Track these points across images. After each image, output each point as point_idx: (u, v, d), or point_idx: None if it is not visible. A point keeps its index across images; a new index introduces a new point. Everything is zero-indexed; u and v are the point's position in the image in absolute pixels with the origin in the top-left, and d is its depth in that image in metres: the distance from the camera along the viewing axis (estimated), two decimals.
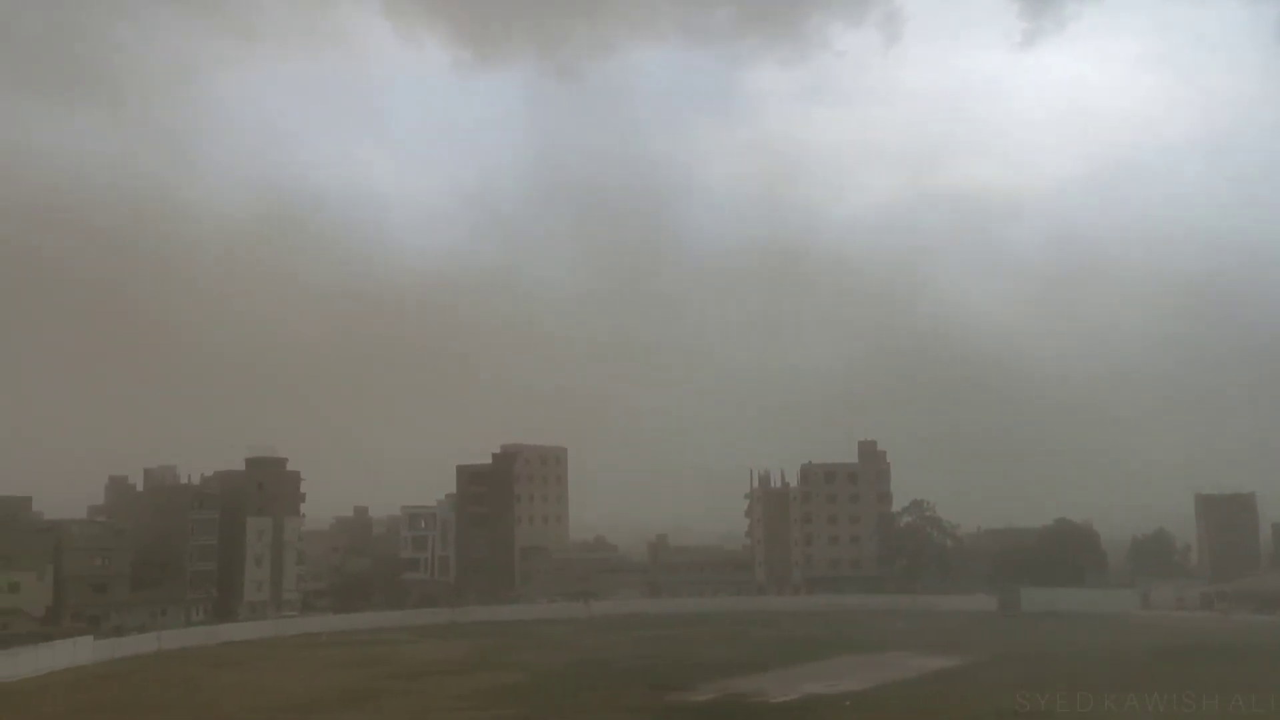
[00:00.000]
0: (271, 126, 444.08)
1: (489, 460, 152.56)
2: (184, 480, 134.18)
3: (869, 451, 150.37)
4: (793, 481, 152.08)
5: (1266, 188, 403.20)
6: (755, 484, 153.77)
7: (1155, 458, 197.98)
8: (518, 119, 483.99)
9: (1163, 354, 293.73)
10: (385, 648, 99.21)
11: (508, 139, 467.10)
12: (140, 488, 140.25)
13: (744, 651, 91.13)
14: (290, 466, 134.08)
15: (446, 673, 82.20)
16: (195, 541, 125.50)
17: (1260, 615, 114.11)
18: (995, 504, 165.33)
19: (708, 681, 73.94)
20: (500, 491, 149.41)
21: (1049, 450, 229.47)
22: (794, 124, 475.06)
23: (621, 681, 75.87)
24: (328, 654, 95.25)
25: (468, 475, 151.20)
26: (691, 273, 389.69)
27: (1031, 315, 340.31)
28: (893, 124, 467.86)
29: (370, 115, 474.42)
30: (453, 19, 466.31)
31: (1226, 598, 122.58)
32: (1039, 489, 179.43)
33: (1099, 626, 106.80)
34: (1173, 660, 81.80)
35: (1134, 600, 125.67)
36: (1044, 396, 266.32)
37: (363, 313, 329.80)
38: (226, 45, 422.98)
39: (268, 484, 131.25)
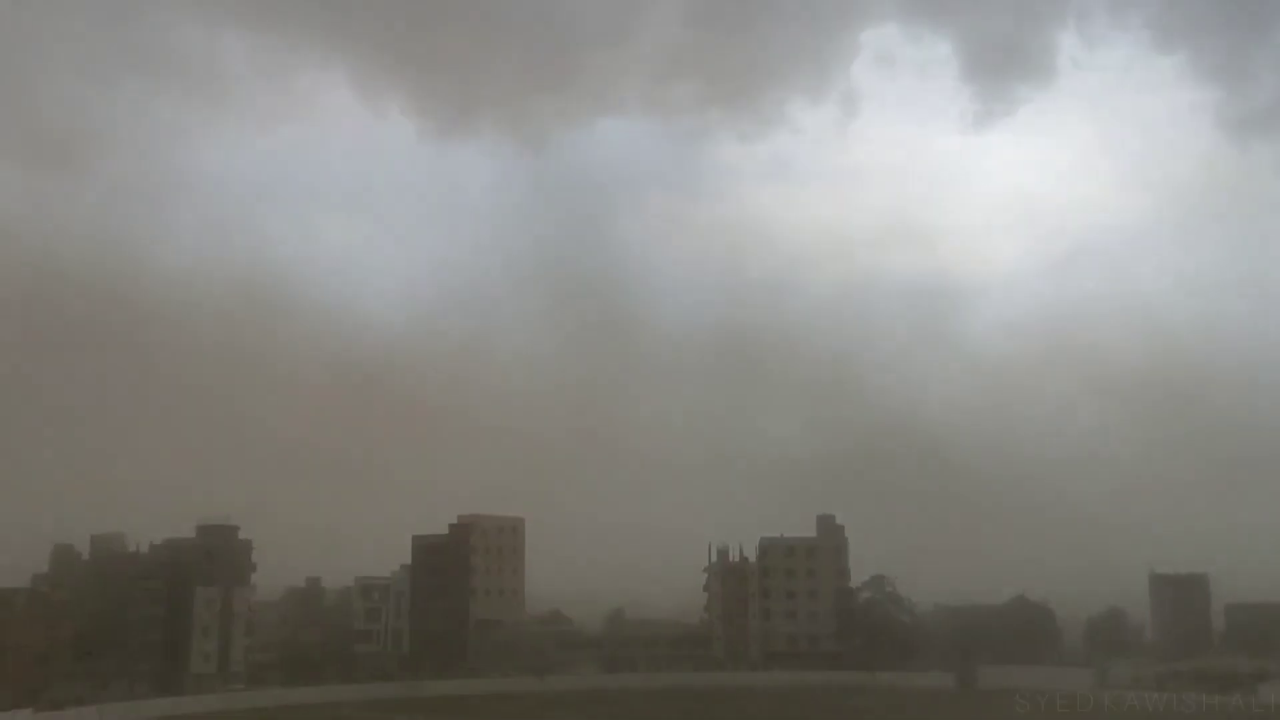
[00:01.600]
0: (237, 195, 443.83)
1: (445, 531, 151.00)
2: (132, 548, 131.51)
3: (827, 526, 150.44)
4: (751, 556, 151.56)
5: (1213, 276, 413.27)
6: (713, 558, 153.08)
7: (1111, 538, 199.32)
8: (483, 191, 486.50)
9: (1118, 438, 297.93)
10: None
11: (474, 211, 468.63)
12: (86, 555, 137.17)
13: None
14: (242, 535, 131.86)
15: None
16: (141, 611, 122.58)
17: (1214, 696, 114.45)
18: (953, 581, 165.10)
19: None
20: (456, 562, 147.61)
21: (1006, 530, 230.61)
22: (753, 202, 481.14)
23: None
24: None
25: (423, 546, 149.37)
26: (653, 349, 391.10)
27: (987, 400, 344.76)
28: (850, 204, 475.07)
29: (336, 184, 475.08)
30: (417, 89, 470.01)
31: (1181, 677, 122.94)
32: (997, 567, 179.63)
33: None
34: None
35: (1088, 678, 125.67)
36: (1001, 479, 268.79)
37: (323, 383, 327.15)
38: (193, 112, 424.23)
39: (218, 552, 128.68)
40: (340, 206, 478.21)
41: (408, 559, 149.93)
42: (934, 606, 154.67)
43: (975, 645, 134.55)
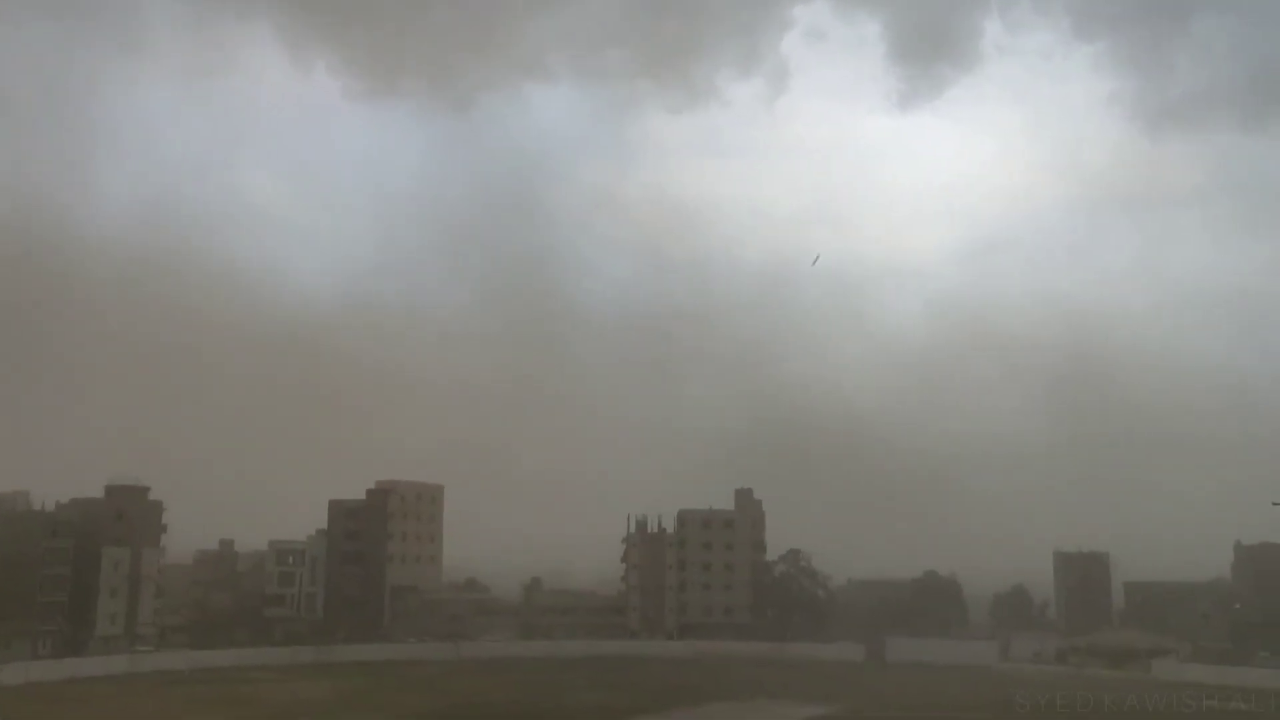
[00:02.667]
0: (156, 149, 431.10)
1: (363, 496, 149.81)
2: (38, 507, 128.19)
3: (745, 500, 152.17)
4: (669, 528, 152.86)
5: (1122, 266, 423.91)
6: (632, 529, 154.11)
7: (1018, 517, 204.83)
8: (412, 153, 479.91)
9: (1028, 422, 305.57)
10: (247, 687, 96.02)
11: (402, 174, 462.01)
12: None
13: (614, 697, 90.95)
14: (153, 496, 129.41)
15: (313, 714, 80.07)
16: (47, 571, 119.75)
17: (1111, 670, 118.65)
18: (866, 556, 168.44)
19: None
20: (373, 528, 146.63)
21: (918, 507, 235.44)
22: (681, 175, 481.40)
23: None
24: (185, 692, 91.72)
25: (340, 510, 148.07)
26: (579, 321, 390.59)
27: (903, 382, 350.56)
28: (777, 182, 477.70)
29: (261, 140, 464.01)
30: (343, 47, 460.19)
31: (1080, 652, 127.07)
32: (908, 544, 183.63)
33: (961, 677, 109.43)
34: (1035, 711, 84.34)
35: (994, 652, 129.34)
36: (914, 459, 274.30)
37: (244, 342, 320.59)
38: (106, 58, 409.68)
39: (127, 513, 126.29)
40: (264, 164, 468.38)
41: (324, 524, 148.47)
42: (846, 581, 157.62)
43: (885, 619, 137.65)
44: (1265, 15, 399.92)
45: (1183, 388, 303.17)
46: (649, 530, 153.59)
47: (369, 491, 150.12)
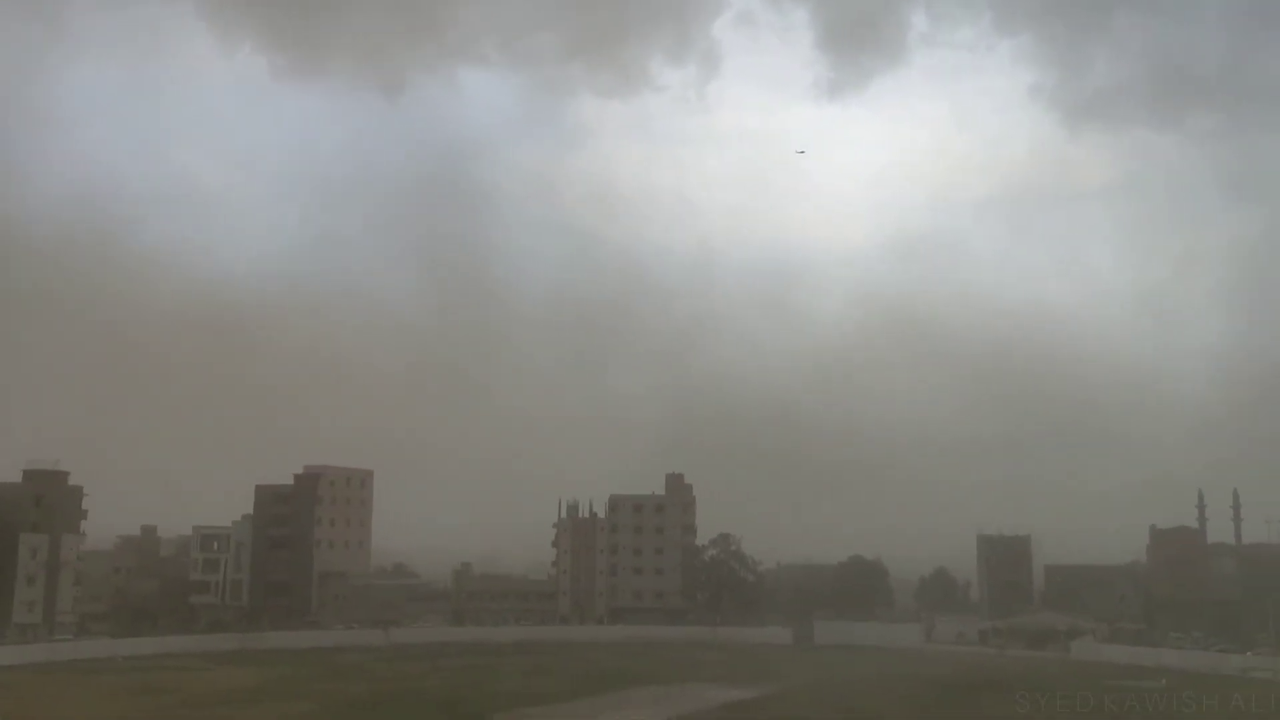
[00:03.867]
0: (84, 129, 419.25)
1: (290, 481, 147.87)
2: None
3: (676, 485, 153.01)
4: (601, 512, 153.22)
5: (1041, 259, 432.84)
6: (563, 514, 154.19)
7: (943, 503, 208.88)
8: (343, 135, 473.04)
9: (953, 411, 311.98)
10: (171, 675, 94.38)
11: (334, 155, 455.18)
12: None
13: (544, 682, 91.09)
14: (73, 481, 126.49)
15: (237, 702, 79.01)
16: None
17: (1031, 651, 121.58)
18: (795, 541, 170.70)
19: (506, 711, 73.60)
20: (301, 513, 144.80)
21: (846, 493, 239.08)
22: (614, 160, 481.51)
23: (420, 711, 74.68)
24: (105, 681, 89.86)
25: (268, 496, 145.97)
26: (511, 305, 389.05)
27: (833, 371, 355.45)
28: (708, 168, 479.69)
29: (189, 121, 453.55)
30: (269, 25, 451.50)
31: (1001, 634, 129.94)
32: (836, 528, 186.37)
33: (886, 659, 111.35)
34: (957, 692, 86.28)
35: (918, 634, 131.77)
36: (843, 446, 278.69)
37: (169, 325, 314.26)
38: (31, 40, 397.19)
39: (46, 498, 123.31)
40: (194, 145, 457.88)
41: (250, 509, 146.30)
42: (776, 564, 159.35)
43: (813, 602, 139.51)
44: (1181, 14, 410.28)
45: (1099, 379, 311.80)
46: (580, 515, 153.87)
47: (297, 476, 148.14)
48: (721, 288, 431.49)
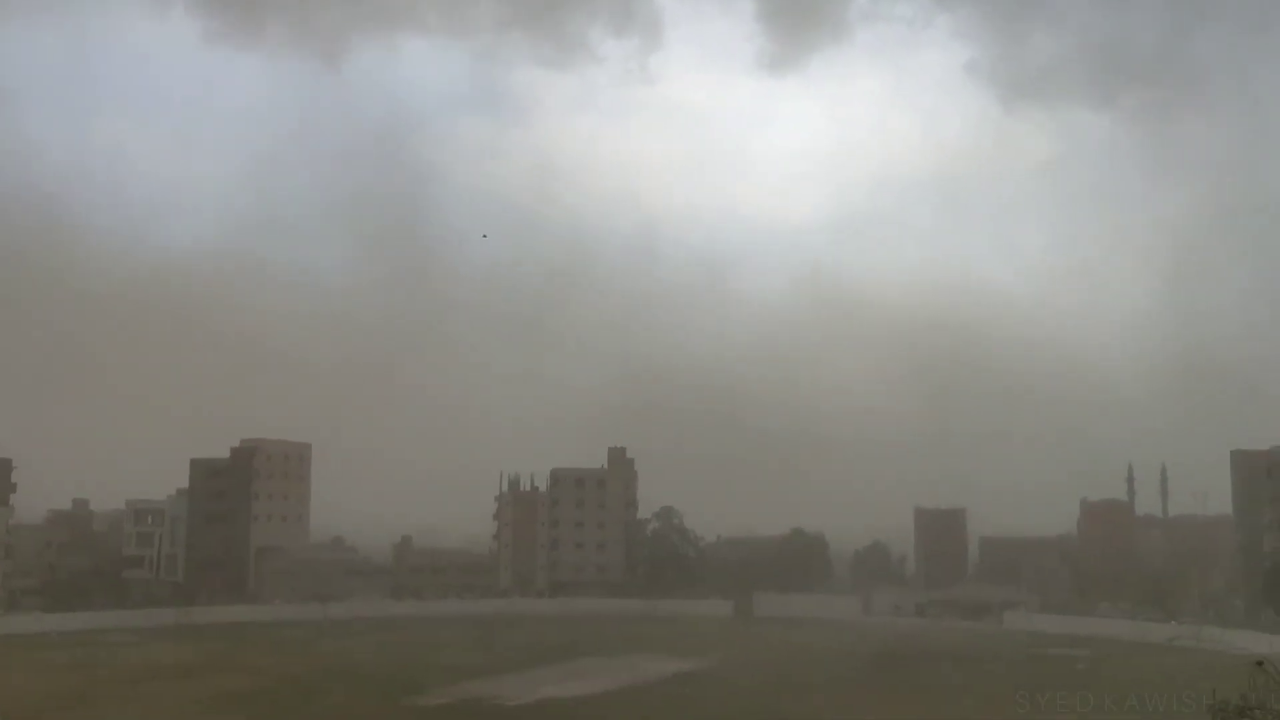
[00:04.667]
0: (8, 93, 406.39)
1: (227, 455, 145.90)
2: None
3: (618, 459, 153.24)
4: (542, 486, 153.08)
5: (978, 238, 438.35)
6: (504, 487, 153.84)
7: (883, 475, 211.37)
8: (279, 101, 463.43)
9: (895, 384, 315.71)
10: (104, 650, 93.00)
11: (269, 122, 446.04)
12: None
13: (485, 655, 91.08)
14: (0, 454, 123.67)
15: (171, 677, 78.03)
16: None
17: (965, 622, 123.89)
18: (737, 515, 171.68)
19: (446, 686, 73.51)
20: (237, 487, 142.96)
21: (788, 467, 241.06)
22: (557, 132, 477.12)
23: (357, 686, 74.32)
24: (38, 657, 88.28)
25: (204, 469, 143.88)
26: (452, 277, 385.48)
27: (776, 348, 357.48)
28: (651, 141, 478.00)
29: (118, 85, 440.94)
30: None
31: (937, 605, 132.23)
32: (777, 502, 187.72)
33: (824, 630, 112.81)
34: (893, 663, 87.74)
35: (856, 606, 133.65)
36: (785, 421, 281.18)
37: (102, 296, 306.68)
38: None
39: None
40: (119, 111, 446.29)
41: (185, 483, 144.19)
42: (716, 538, 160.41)
43: (754, 575, 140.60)
44: None
45: (1031, 355, 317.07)
46: (521, 489, 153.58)
47: (233, 450, 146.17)
48: (664, 263, 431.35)
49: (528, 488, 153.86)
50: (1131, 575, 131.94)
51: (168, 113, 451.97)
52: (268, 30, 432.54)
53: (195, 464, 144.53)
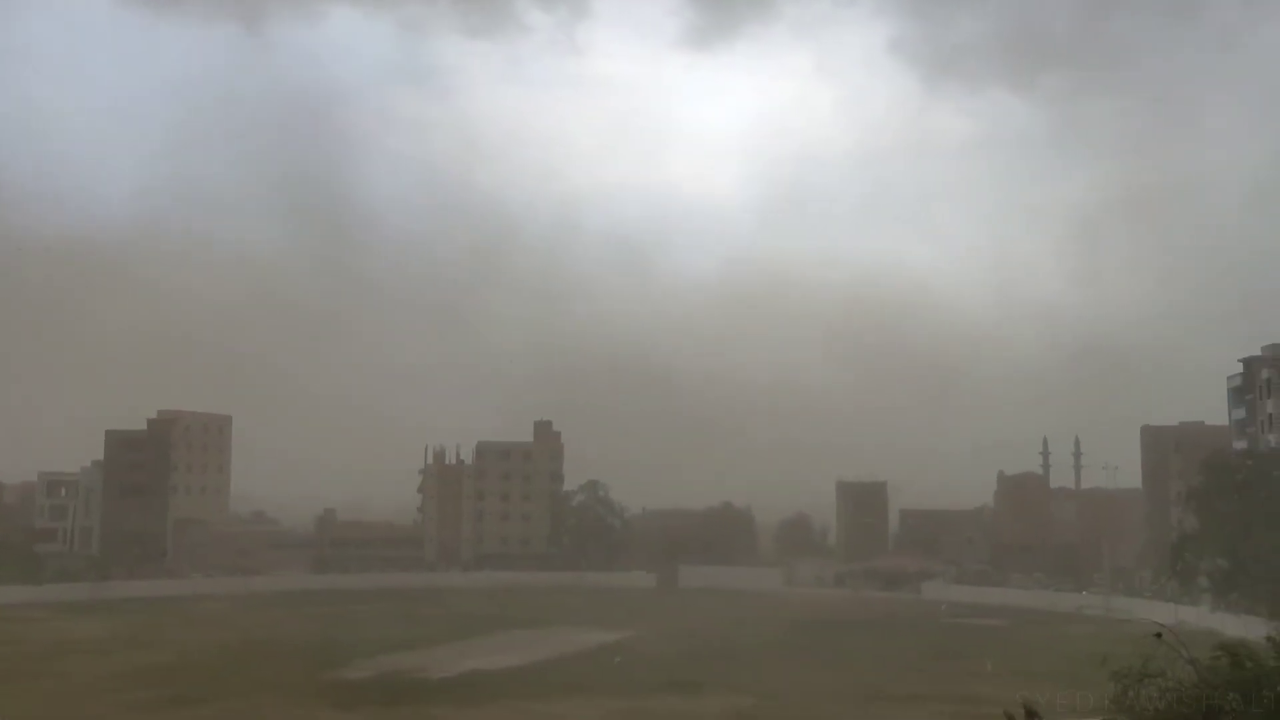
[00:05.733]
0: None
1: (144, 426, 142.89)
2: None
3: (544, 431, 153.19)
4: (468, 459, 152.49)
5: (899, 216, 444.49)
6: (430, 460, 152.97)
7: (807, 448, 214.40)
8: (199, 68, 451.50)
9: (820, 359, 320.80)
10: (16, 625, 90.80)
11: (189, 87, 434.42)
12: None
13: (409, 628, 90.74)
14: None
15: (87, 652, 76.65)
16: None
17: (885, 592, 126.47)
18: (665, 488, 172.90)
19: (369, 659, 73.22)
20: (155, 459, 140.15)
21: (716, 442, 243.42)
22: (483, 103, 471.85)
23: (279, 659, 73.67)
24: None
25: (119, 441, 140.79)
26: (377, 247, 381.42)
27: (703, 324, 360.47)
28: (579, 114, 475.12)
29: (27, 48, 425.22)
30: None
31: (857, 576, 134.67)
32: (705, 475, 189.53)
33: (746, 601, 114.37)
34: (813, 632, 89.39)
35: (778, 578, 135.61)
36: (713, 397, 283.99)
37: (16, 265, 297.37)
38: None
39: None
40: (32, 73, 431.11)
41: (100, 454, 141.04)
42: (642, 510, 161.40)
43: (679, 547, 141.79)
44: None
45: (950, 333, 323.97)
46: (446, 462, 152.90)
47: (150, 422, 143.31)
48: (589, 239, 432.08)
49: (453, 461, 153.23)
50: (1045, 546, 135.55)
51: (82, 76, 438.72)
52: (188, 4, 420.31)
53: (111, 435, 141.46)
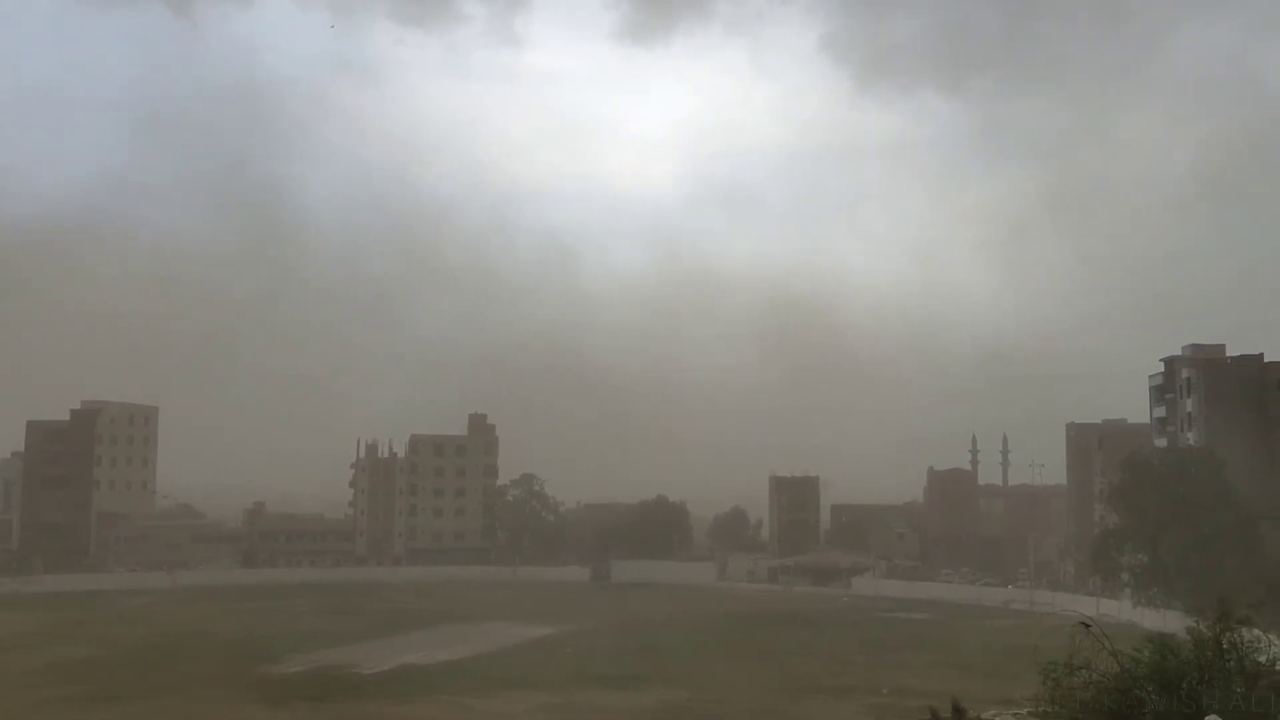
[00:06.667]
0: None
1: (66, 417, 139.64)
2: None
3: (479, 425, 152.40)
4: (401, 452, 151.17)
5: (826, 217, 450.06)
6: (361, 453, 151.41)
7: (741, 445, 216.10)
8: (127, 50, 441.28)
9: (755, 357, 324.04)
10: None
11: (117, 73, 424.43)
12: None
13: (341, 623, 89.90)
14: None
15: (7, 648, 74.70)
16: None
17: (816, 587, 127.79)
18: (599, 482, 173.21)
19: (300, 654, 72.40)
20: (78, 451, 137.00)
21: (652, 437, 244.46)
22: (416, 98, 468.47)
23: (207, 655, 72.54)
24: None
25: (41, 432, 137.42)
26: (311, 239, 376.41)
27: (640, 322, 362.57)
28: (516, 107, 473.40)
29: None
30: None
31: (789, 570, 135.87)
32: (640, 470, 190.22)
33: (680, 596, 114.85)
34: (745, 627, 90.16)
35: (712, 572, 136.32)
36: (650, 394, 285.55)
37: None
38: None
39: None
40: None
41: (20, 445, 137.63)
42: (577, 504, 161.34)
43: (613, 541, 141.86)
44: None
45: (881, 331, 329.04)
46: (379, 455, 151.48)
47: (73, 412, 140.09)
48: (524, 233, 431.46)
49: (386, 454, 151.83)
50: (973, 541, 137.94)
51: (6, 63, 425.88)
52: None
53: (32, 426, 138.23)
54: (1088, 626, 18.25)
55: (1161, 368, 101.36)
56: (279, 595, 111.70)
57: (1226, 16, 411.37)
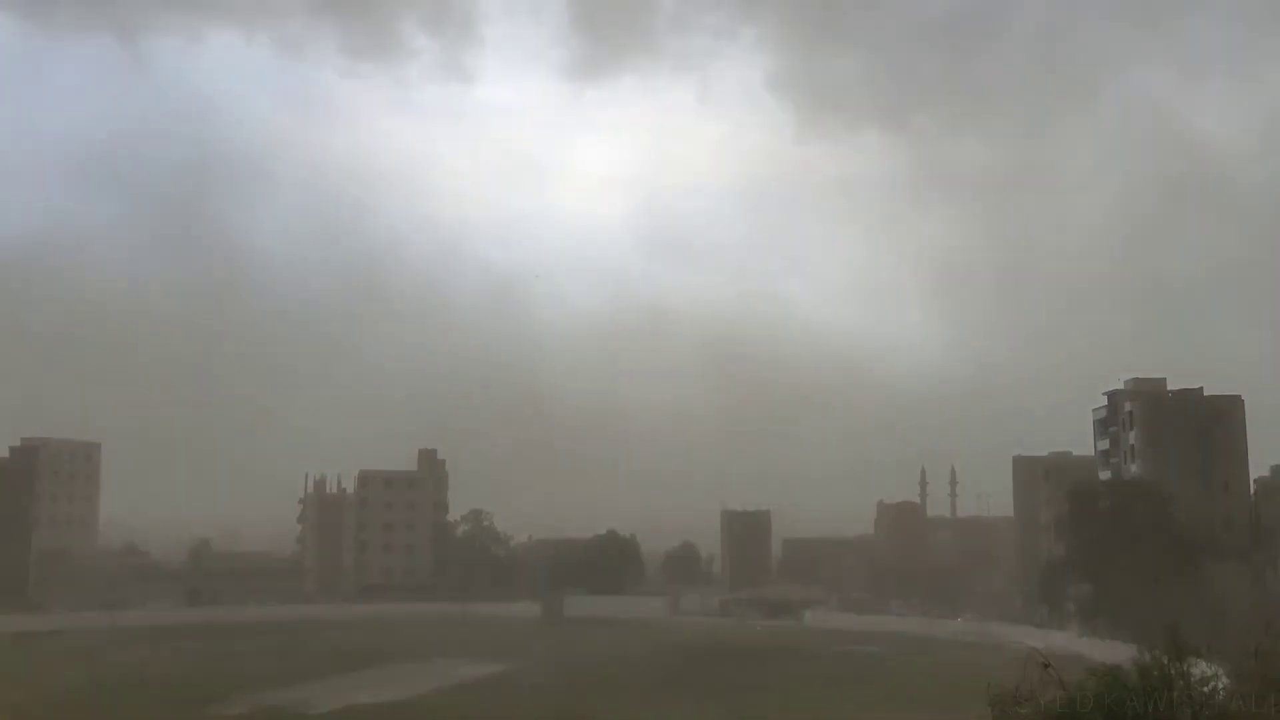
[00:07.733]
0: None
1: (6, 454, 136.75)
2: None
3: (428, 460, 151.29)
4: (350, 488, 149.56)
5: (784, 249, 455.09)
6: (309, 489, 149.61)
7: (693, 479, 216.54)
8: (71, 85, 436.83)
9: (706, 395, 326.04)
10: None
11: (61, 108, 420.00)
12: None
13: (288, 662, 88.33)
14: None
15: None
16: None
17: (768, 620, 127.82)
18: (548, 517, 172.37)
19: (246, 694, 71.06)
20: (18, 488, 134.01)
21: (601, 471, 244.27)
22: (367, 129, 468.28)
23: (150, 697, 70.99)
24: None
25: None
26: (259, 276, 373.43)
27: (586, 356, 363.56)
28: (465, 142, 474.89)
29: None
30: None
31: (742, 604, 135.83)
32: (591, 505, 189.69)
33: (632, 631, 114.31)
34: (697, 662, 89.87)
35: (664, 607, 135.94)
36: (601, 429, 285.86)
37: None
38: None
39: None
40: None
41: None
42: (528, 539, 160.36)
43: (565, 576, 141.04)
44: (909, 17, 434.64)
45: (827, 367, 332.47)
46: (328, 491, 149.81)
47: (13, 449, 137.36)
48: (473, 267, 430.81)
49: (335, 490, 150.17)
50: (923, 573, 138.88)
51: None
52: (65, 11, 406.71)
53: None
54: (1047, 666, 18.47)
55: (1104, 400, 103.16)
56: (224, 635, 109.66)
57: (1162, 65, 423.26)
